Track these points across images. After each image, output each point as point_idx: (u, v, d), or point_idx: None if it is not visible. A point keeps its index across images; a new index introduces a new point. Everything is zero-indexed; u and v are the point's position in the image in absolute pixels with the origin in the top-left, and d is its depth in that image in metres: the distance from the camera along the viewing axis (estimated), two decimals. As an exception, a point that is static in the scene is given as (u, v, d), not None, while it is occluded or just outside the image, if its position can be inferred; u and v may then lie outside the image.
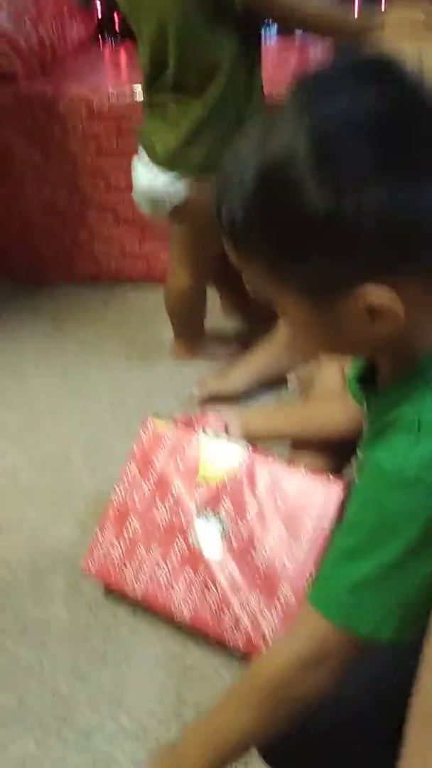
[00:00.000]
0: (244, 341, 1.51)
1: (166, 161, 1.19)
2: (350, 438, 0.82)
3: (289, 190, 0.47)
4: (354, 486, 0.60)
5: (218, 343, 1.52)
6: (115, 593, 1.01)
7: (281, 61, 1.57)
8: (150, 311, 1.58)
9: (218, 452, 0.98)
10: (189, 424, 1.02)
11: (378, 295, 0.50)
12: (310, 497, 0.92)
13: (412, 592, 0.55)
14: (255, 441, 1.00)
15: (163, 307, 1.45)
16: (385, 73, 0.48)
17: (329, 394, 0.98)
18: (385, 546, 0.55)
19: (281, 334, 1.35)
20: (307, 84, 0.49)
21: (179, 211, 1.24)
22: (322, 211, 0.47)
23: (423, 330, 0.55)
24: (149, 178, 1.22)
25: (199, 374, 1.44)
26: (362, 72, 0.48)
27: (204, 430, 1.01)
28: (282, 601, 0.88)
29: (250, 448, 0.97)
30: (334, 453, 1.00)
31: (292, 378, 1.34)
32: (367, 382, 0.65)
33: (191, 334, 1.49)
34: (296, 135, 0.47)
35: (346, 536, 0.59)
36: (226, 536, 0.94)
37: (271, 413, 1.00)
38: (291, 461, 0.98)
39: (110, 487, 1.07)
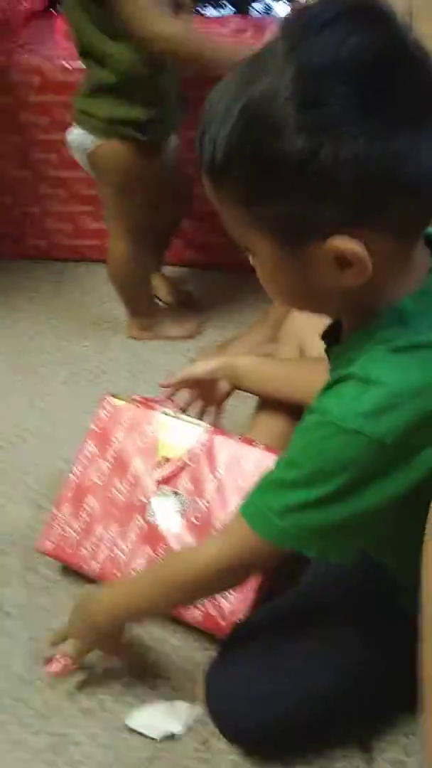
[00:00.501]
0: (199, 320, 1.51)
1: (74, 115, 1.29)
2: None
3: (271, 129, 0.49)
4: (299, 424, 0.63)
5: (174, 322, 1.51)
6: (72, 573, 1.00)
7: (238, 40, 1.55)
8: (104, 289, 1.55)
9: (178, 431, 0.97)
10: (148, 404, 1.01)
11: (348, 244, 0.51)
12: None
13: (337, 526, 0.61)
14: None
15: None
16: (375, 19, 0.49)
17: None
18: (319, 485, 0.60)
19: (274, 313, 1.33)
20: (296, 24, 0.50)
21: (93, 167, 1.30)
22: (300, 154, 0.48)
23: (384, 288, 0.58)
24: (70, 130, 1.31)
25: (154, 353, 1.43)
26: (353, 16, 0.49)
27: (164, 410, 1.00)
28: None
29: (210, 427, 0.97)
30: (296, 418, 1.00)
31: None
32: (331, 340, 0.67)
33: (142, 310, 1.48)
34: (283, 76, 0.48)
35: (285, 469, 0.64)
36: (185, 514, 0.93)
37: (261, 368, 0.99)
38: (248, 438, 0.97)
39: (65, 466, 1.06)
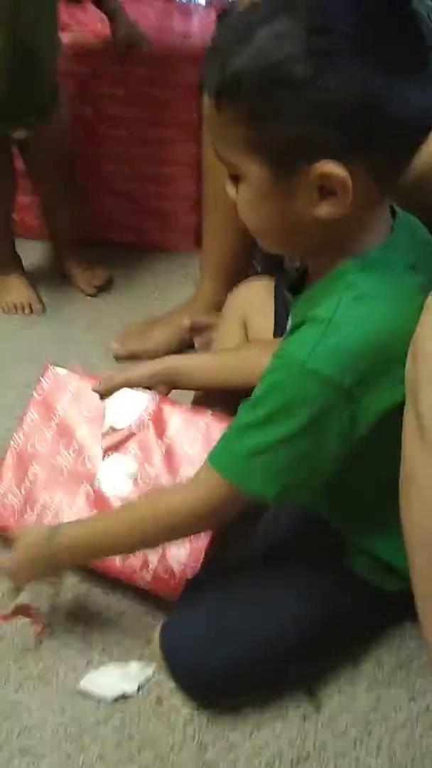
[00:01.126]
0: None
1: None
2: None
3: (282, 51, 0.54)
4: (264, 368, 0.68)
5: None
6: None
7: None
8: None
9: (124, 399, 0.97)
10: (90, 376, 1.01)
11: (335, 169, 0.56)
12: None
13: (295, 465, 0.66)
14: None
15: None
16: None
17: (266, 341, 1.00)
18: (280, 424, 0.64)
19: (204, 295, 1.34)
20: None
21: None
22: (305, 76, 0.54)
23: (355, 233, 0.64)
24: None
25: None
26: None
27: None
28: (192, 538, 0.90)
29: (157, 396, 0.97)
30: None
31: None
32: (296, 292, 0.72)
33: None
34: (296, 8, 0.55)
35: (249, 411, 0.68)
36: (134, 480, 0.94)
37: (200, 365, 0.98)
38: (197, 407, 0.99)
39: (4, 435, 1.04)
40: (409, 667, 0.88)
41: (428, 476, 0.59)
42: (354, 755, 0.80)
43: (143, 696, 0.84)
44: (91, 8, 1.49)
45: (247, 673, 0.81)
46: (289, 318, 0.75)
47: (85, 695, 0.84)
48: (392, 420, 0.62)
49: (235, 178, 0.63)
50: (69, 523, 0.86)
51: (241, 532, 0.89)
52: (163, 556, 0.89)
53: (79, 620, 0.91)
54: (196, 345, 1.31)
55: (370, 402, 0.64)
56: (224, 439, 0.70)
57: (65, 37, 1.39)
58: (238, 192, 0.63)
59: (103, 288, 1.53)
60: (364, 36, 0.54)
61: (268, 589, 0.83)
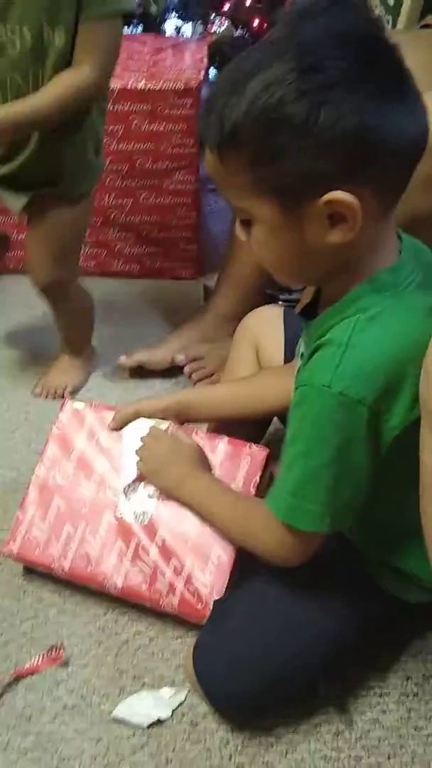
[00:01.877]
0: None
1: None
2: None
3: (277, 95, 0.57)
4: (290, 410, 0.71)
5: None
6: (35, 579, 1.00)
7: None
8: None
9: (140, 428, 0.99)
10: (109, 408, 1.03)
11: (343, 196, 0.59)
12: (236, 465, 0.96)
13: (338, 490, 0.69)
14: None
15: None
16: (360, 8, 0.61)
17: (276, 368, 1.02)
18: (317, 453, 0.67)
19: (211, 310, 1.37)
20: (294, 12, 0.60)
21: None
22: (303, 114, 0.56)
23: (365, 257, 0.66)
24: None
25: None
26: (343, 4, 0.59)
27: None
28: (215, 562, 0.92)
29: (173, 424, 0.99)
30: (254, 427, 1.05)
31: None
32: (308, 317, 0.74)
33: None
34: (287, 51, 0.57)
35: (289, 447, 0.71)
36: (155, 507, 0.95)
37: (211, 397, 1.01)
38: (212, 434, 1.01)
39: (14, 474, 1.05)
40: (435, 678, 0.89)
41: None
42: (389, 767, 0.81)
43: (177, 720, 0.85)
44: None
45: (279, 691, 0.82)
46: (299, 343, 0.78)
47: (119, 723, 0.85)
48: (411, 435, 0.64)
49: (247, 223, 0.66)
50: (200, 477, 0.93)
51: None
52: (188, 580, 0.91)
53: (110, 649, 0.93)
54: (193, 380, 1.34)
55: (390, 417, 0.66)
56: (277, 480, 0.74)
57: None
58: (250, 235, 0.66)
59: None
60: (351, 70, 0.56)
61: (295, 606, 0.84)
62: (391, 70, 0.59)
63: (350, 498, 0.70)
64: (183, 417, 0.98)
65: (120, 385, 1.38)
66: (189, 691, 0.87)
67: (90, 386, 1.38)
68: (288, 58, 0.57)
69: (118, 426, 0.98)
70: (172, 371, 1.39)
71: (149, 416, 0.98)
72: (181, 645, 0.92)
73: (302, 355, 0.75)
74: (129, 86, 1.46)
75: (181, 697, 0.87)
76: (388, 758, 0.82)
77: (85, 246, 1.64)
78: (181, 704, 0.86)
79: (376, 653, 0.90)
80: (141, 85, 1.46)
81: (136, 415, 0.98)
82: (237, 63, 0.61)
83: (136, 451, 0.96)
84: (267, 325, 1.08)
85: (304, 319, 0.75)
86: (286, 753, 0.82)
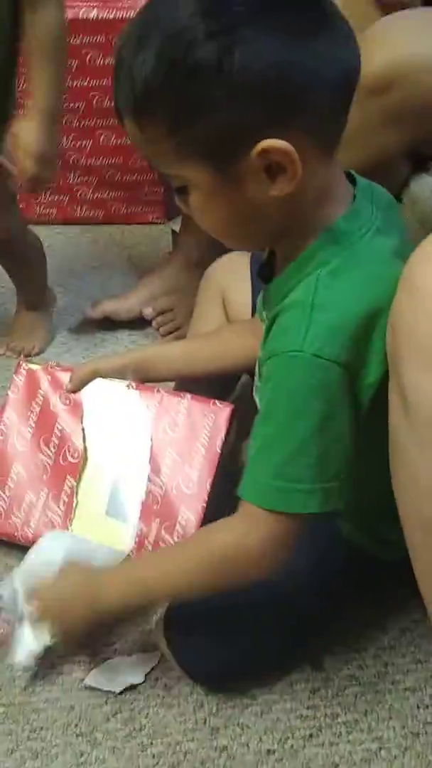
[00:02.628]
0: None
1: None
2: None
3: (184, 44, 0.51)
4: (259, 385, 0.65)
5: None
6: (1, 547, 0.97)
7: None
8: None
9: (101, 389, 0.95)
10: (64, 369, 0.98)
11: (276, 143, 0.54)
12: (200, 423, 0.92)
13: (326, 461, 0.61)
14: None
15: None
16: None
17: (239, 323, 0.97)
18: (297, 426, 0.60)
19: (178, 256, 1.31)
20: None
21: None
22: (214, 60, 0.51)
23: (315, 206, 0.61)
24: None
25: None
26: None
27: None
28: (183, 523, 0.89)
29: (134, 383, 0.95)
30: (221, 383, 1.01)
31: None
32: (266, 279, 0.69)
33: None
34: None
35: (262, 426, 0.63)
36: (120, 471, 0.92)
37: (171, 354, 0.96)
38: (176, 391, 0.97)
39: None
40: (413, 631, 0.88)
41: (419, 459, 0.57)
42: (366, 725, 0.80)
43: (151, 685, 0.84)
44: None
45: (254, 654, 0.80)
46: (258, 300, 0.73)
47: (92, 690, 0.83)
48: (384, 396, 0.60)
49: (183, 190, 0.60)
50: (109, 572, 0.77)
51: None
52: (156, 545, 0.88)
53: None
54: (161, 334, 1.29)
55: (366, 373, 0.62)
56: (248, 468, 0.65)
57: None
58: (187, 204, 0.61)
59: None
60: (261, 4, 0.52)
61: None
62: (305, 7, 0.54)
63: (339, 470, 0.63)
64: (142, 375, 0.92)
65: (85, 339, 1.33)
66: (162, 655, 0.85)
67: (55, 341, 1.33)
68: (189, 1, 0.52)
69: (76, 388, 0.93)
70: (140, 322, 1.33)
71: (106, 376, 0.93)
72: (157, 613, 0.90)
73: (263, 319, 0.70)
74: (81, 16, 1.37)
75: (154, 660, 0.85)
76: (365, 714, 0.81)
77: (46, 192, 1.56)
78: (153, 668, 0.84)
79: (352, 609, 0.88)
80: (93, 14, 1.36)
81: (94, 375, 0.92)
82: (140, 14, 0.55)
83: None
84: (233, 274, 1.02)
85: (262, 280, 0.70)
86: (262, 714, 0.81)
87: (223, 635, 0.78)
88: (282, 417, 0.61)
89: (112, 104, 0.59)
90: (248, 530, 0.64)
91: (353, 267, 0.61)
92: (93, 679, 0.84)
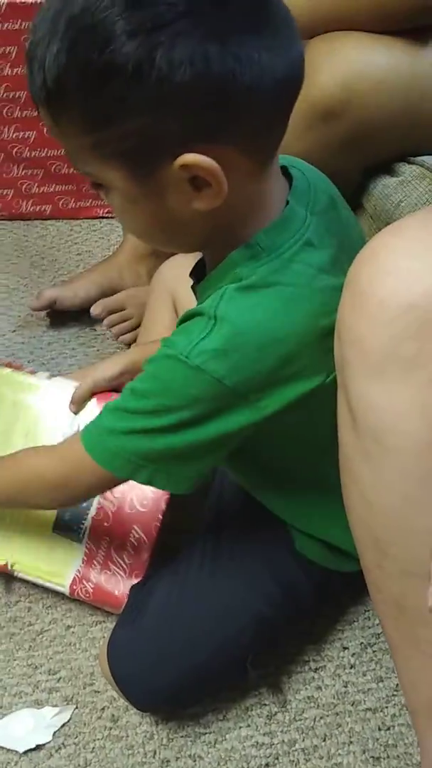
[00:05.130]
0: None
1: None
2: None
3: (99, 39, 0.45)
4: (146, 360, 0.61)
5: None
6: None
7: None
8: None
9: (55, 395, 0.89)
10: (16, 366, 0.92)
11: (198, 158, 0.49)
12: None
13: (171, 455, 0.59)
14: None
15: None
16: None
17: None
18: (159, 417, 0.58)
19: (125, 247, 1.25)
20: None
21: None
22: (134, 60, 0.45)
23: (243, 219, 0.56)
24: None
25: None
26: None
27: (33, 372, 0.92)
28: (134, 543, 0.83)
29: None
30: None
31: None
32: (198, 278, 0.65)
33: None
34: None
35: (129, 398, 0.60)
36: None
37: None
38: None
39: None
40: (374, 646, 0.84)
41: (366, 474, 0.52)
42: (325, 750, 0.76)
43: (97, 716, 0.79)
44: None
45: (203, 678, 0.75)
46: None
47: None
48: (305, 404, 0.57)
49: (99, 186, 0.55)
50: None
51: (185, 521, 0.83)
52: (104, 564, 0.83)
53: (22, 642, 0.84)
54: (114, 334, 1.23)
55: (267, 399, 0.57)
56: (99, 418, 0.63)
57: None
58: (106, 199, 0.56)
59: None
60: (189, 1, 0.45)
61: (217, 590, 0.76)
62: (245, 4, 0.47)
63: (185, 464, 0.61)
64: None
65: (31, 341, 1.26)
66: (75, 708, 0.79)
67: (7, 351, 1.25)
68: None
69: (80, 409, 0.87)
70: (87, 315, 1.26)
71: (107, 385, 0.86)
72: (102, 631, 0.85)
73: None
74: (19, 0, 1.28)
75: (66, 716, 0.78)
76: (324, 740, 0.76)
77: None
78: (64, 725, 0.78)
79: (310, 624, 0.84)
80: (32, -2, 1.28)
81: (93, 389, 0.86)
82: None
83: None
84: (184, 272, 0.96)
85: (194, 280, 0.65)
86: (215, 743, 0.76)
87: (174, 664, 0.73)
88: (151, 404, 0.58)
89: None
90: (75, 469, 0.65)
91: (265, 286, 0.55)
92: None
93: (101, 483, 0.66)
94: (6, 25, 1.29)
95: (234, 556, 0.79)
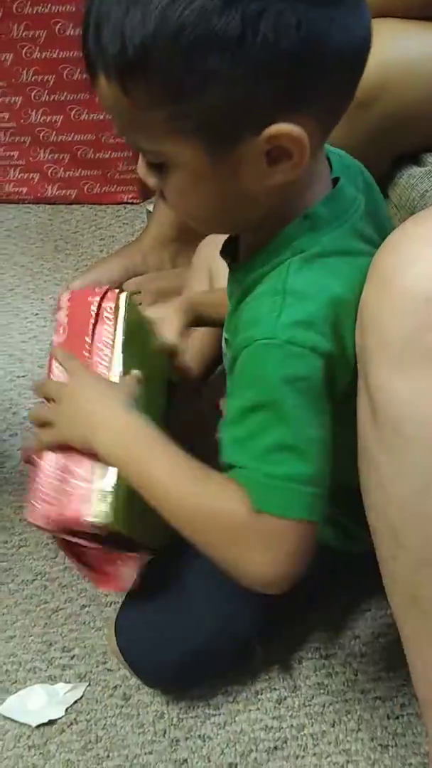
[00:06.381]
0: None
1: None
2: None
3: (198, 9, 0.43)
4: (229, 378, 0.58)
5: None
6: None
7: None
8: None
9: None
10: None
11: (289, 128, 0.47)
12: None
13: (307, 449, 0.53)
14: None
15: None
16: None
17: None
18: (270, 415, 0.52)
19: (151, 233, 1.27)
20: None
21: None
22: (236, 31, 0.43)
23: (303, 192, 0.54)
24: None
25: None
26: None
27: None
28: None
29: None
30: None
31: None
32: (231, 255, 0.63)
33: None
34: None
35: (232, 426, 0.54)
36: None
37: (219, 301, 0.79)
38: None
39: None
40: (386, 636, 0.84)
41: (385, 465, 0.52)
42: (333, 736, 0.76)
43: (108, 694, 0.80)
44: None
45: (207, 656, 0.76)
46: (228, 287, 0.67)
47: (6, 720, 0.78)
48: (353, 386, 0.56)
49: (158, 167, 0.52)
50: (127, 412, 0.62)
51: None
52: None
53: (38, 619, 0.86)
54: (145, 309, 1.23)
55: (342, 363, 0.55)
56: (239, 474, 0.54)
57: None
58: (164, 181, 0.53)
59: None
60: None
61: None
62: None
63: (328, 451, 0.55)
64: (195, 317, 0.82)
65: (53, 324, 1.26)
66: (88, 686, 0.80)
67: (29, 333, 1.27)
68: None
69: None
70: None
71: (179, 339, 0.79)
72: (115, 612, 0.85)
73: (231, 302, 0.65)
74: (49, -17, 1.29)
75: (78, 693, 0.79)
76: (333, 726, 0.77)
77: (15, 170, 1.50)
78: (77, 701, 0.79)
79: (324, 610, 0.84)
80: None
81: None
82: None
83: (37, 416, 0.67)
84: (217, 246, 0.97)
85: (228, 259, 0.65)
86: (224, 725, 0.77)
87: (180, 640, 0.74)
88: (250, 403, 0.53)
89: (84, 77, 0.50)
90: (279, 552, 0.54)
91: (332, 254, 0.55)
92: (9, 707, 0.78)
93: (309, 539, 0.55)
94: (36, 9, 1.30)
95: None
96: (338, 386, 0.55)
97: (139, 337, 0.74)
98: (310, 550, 0.55)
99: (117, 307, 0.71)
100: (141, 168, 0.56)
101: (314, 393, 0.53)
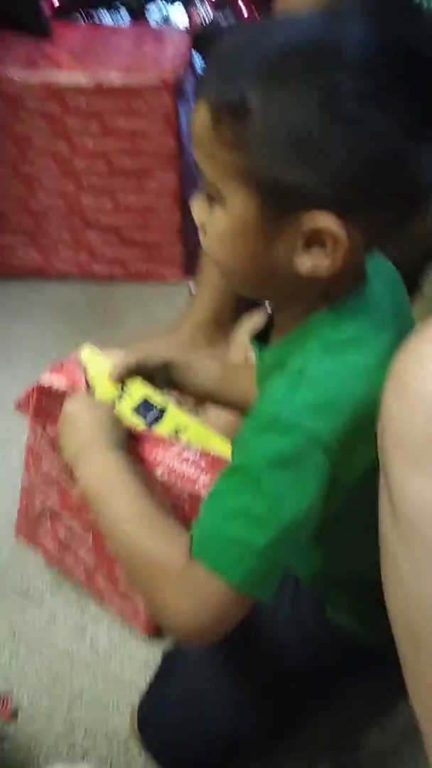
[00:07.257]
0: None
1: None
2: None
3: (330, 92, 0.46)
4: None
5: None
6: None
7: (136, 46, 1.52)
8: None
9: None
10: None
11: (331, 226, 0.49)
12: None
13: (286, 529, 0.53)
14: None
15: None
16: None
17: None
18: (261, 487, 0.53)
19: (187, 317, 1.31)
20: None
21: None
22: (323, 125, 0.46)
23: (332, 285, 0.56)
24: None
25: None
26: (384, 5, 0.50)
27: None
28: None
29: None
30: None
31: None
32: (261, 340, 0.65)
33: None
34: (350, 36, 0.47)
35: (226, 481, 0.56)
36: None
37: (211, 371, 0.84)
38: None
39: None
40: (415, 730, 0.81)
41: (404, 562, 0.52)
42: None
43: (128, 776, 0.79)
44: (60, 42, 1.46)
45: (230, 748, 0.74)
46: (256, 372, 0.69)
47: None
48: (370, 481, 0.56)
49: (212, 199, 0.55)
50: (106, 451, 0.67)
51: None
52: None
53: (61, 699, 0.86)
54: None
55: (348, 461, 0.57)
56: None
57: (35, 75, 1.36)
58: (210, 219, 0.55)
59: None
60: (386, 87, 0.47)
61: (247, 656, 0.76)
62: (428, 93, 0.48)
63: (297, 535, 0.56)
64: (179, 378, 0.83)
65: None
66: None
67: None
68: (352, 43, 0.47)
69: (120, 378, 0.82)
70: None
71: (144, 373, 0.81)
72: (138, 695, 0.85)
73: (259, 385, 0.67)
74: (105, 83, 1.38)
75: None
76: None
77: (65, 248, 1.57)
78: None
79: (346, 707, 0.82)
80: (116, 81, 1.38)
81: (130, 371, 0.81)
82: (264, 23, 0.53)
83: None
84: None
85: (257, 345, 0.67)
86: None
87: (198, 723, 0.72)
88: (250, 475, 0.54)
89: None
90: (200, 605, 0.54)
91: (353, 344, 0.56)
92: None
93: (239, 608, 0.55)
94: (91, 104, 1.39)
95: (264, 627, 0.77)
96: (340, 478, 0.55)
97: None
98: (233, 620, 0.54)
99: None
100: (196, 199, 0.57)
101: (303, 477, 0.54)
